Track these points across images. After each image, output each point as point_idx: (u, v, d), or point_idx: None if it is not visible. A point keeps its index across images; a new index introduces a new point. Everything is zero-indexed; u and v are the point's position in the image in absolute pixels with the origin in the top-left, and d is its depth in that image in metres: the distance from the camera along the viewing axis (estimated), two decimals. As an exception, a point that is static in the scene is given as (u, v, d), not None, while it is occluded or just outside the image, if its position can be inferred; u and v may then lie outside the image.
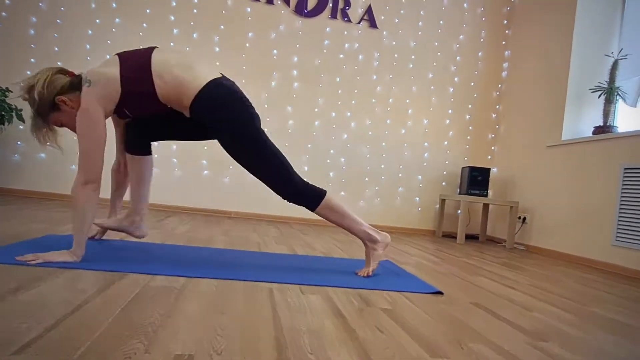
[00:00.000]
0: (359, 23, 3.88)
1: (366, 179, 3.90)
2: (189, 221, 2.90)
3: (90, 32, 3.37)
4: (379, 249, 1.64)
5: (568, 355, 1.00)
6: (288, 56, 3.73)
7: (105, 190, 2.77)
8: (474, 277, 1.93)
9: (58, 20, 3.31)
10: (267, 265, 1.65)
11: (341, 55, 3.85)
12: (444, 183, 4.08)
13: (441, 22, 4.06)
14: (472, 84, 4.14)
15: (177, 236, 2.16)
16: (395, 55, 3.96)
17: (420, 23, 4.02)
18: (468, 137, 4.13)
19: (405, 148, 3.99)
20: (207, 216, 3.39)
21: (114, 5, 3.41)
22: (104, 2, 3.39)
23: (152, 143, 2.07)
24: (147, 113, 1.48)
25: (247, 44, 3.65)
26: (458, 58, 4.10)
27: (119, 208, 1.77)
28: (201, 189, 3.55)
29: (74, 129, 1.41)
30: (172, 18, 3.52)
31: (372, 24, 3.90)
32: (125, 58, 1.40)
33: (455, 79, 4.10)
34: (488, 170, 3.72)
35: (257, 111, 3.44)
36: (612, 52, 3.21)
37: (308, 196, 1.55)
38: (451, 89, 4.09)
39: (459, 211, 4.10)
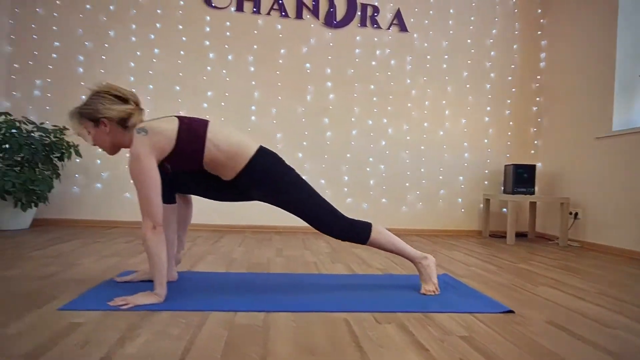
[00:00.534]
0: (388, 28, 3.86)
1: (407, 184, 3.89)
2: (241, 241, 2.99)
3: (132, 64, 3.53)
4: (431, 263, 1.73)
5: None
6: (321, 69, 3.77)
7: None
8: (538, 287, 1.90)
9: (103, 57, 3.49)
10: (332, 290, 1.69)
11: (373, 63, 3.85)
12: (486, 182, 4.01)
13: (472, 18, 3.99)
14: (510, 78, 4.04)
15: (238, 262, 2.25)
16: (428, 57, 3.92)
17: (450, 22, 3.96)
18: (509, 133, 4.04)
19: (445, 150, 3.94)
20: (256, 233, 3.48)
21: (152, 36, 3.55)
22: (143, 34, 3.54)
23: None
24: (184, 171, 1.61)
25: (280, 61, 3.72)
26: (492, 53, 4.01)
27: (184, 244, 1.85)
28: (248, 206, 3.65)
29: (92, 143, 1.55)
30: (207, 43, 3.63)
31: (402, 27, 3.87)
32: (183, 121, 1.53)
33: (491, 74, 4.01)
34: (533, 167, 3.63)
35: (293, 127, 3.44)
36: (662, 35, 3.06)
37: (358, 228, 1.65)
38: (488, 86, 4.01)
39: (504, 209, 4.02)
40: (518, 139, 4.05)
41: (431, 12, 3.93)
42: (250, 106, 3.68)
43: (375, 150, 3.85)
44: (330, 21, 3.77)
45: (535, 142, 4.08)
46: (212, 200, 3.59)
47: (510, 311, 1.49)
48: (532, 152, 4.07)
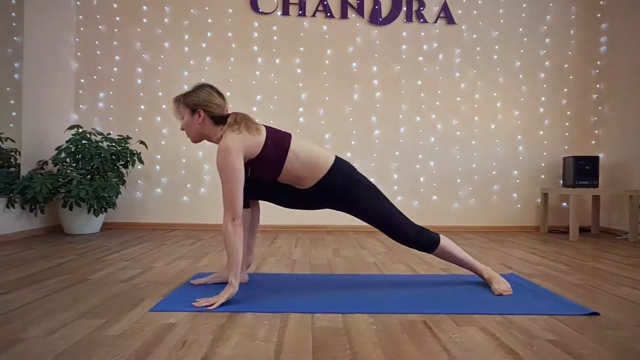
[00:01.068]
0: (435, 22, 3.78)
1: (458, 181, 3.81)
2: (296, 242, 3.05)
3: (186, 73, 3.67)
4: (490, 271, 1.79)
5: None
6: (367, 67, 3.76)
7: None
8: (617, 287, 1.81)
9: (159, 67, 3.65)
10: (402, 290, 1.69)
11: (420, 58, 3.78)
12: (542, 176, 3.85)
13: (524, 5, 3.82)
14: (566, 65, 3.84)
15: (299, 264, 2.30)
16: (478, 49, 3.80)
17: (500, 10, 3.82)
18: (567, 124, 3.85)
19: (498, 144, 3.82)
20: (307, 232, 3.53)
21: (203, 45, 3.68)
22: (195, 44, 3.68)
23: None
24: (260, 178, 1.69)
25: (327, 61, 3.74)
26: (547, 40, 3.83)
27: (253, 247, 1.91)
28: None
29: (183, 129, 1.67)
30: (255, 48, 3.71)
31: (450, 20, 3.78)
32: (270, 129, 1.64)
33: (546, 63, 3.83)
34: (596, 158, 3.44)
35: (341, 127, 3.52)
36: None
37: (426, 236, 1.71)
38: (542, 75, 3.84)
39: (564, 203, 3.84)
40: (577, 129, 3.85)
41: (480, 1, 3.80)
42: (298, 108, 3.74)
43: (424, 147, 3.79)
44: (376, 19, 3.75)
45: (596, 131, 3.86)
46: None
47: (596, 313, 1.43)
48: (593, 142, 3.86)
